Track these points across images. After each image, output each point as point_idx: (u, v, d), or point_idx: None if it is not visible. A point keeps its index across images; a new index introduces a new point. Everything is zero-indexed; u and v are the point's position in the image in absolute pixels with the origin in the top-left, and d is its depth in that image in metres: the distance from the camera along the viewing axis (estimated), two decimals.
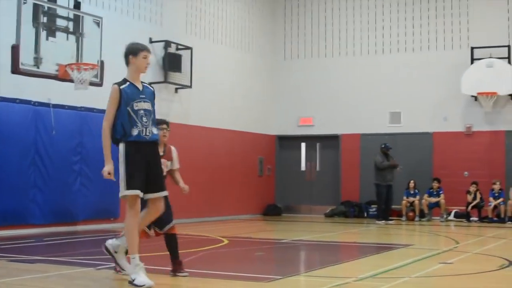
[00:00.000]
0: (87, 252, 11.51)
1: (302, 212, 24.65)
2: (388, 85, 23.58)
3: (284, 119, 25.16)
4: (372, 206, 22.65)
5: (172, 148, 9.64)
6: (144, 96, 8.43)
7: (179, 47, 20.13)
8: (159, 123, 9.05)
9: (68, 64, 14.01)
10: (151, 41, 19.44)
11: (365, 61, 24.02)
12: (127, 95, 8.33)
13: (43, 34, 13.83)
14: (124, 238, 8.48)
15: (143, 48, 8.76)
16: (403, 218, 21.78)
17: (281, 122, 25.22)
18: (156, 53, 19.61)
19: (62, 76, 14.08)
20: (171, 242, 9.19)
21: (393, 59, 23.67)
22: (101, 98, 17.33)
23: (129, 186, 8.09)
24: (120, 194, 8.17)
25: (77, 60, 14.34)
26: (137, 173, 8.16)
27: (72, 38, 14.43)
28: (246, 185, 23.61)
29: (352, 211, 23.30)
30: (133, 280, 7.96)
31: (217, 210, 22.00)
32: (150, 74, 19.42)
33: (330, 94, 24.42)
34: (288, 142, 25.26)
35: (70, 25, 14.63)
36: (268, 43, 25.23)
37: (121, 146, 8.21)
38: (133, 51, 8.76)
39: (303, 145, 25.08)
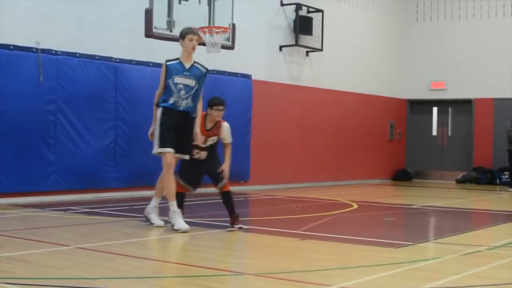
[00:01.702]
0: (217, 213, 11.69)
1: (432, 178, 24.23)
2: None
3: (415, 83, 24.69)
4: (505, 173, 22.04)
5: (224, 124, 10.22)
6: (188, 73, 9.95)
7: (310, 9, 20.01)
8: (216, 103, 10.08)
9: (201, 27, 14.13)
10: (282, 4, 19.43)
11: (500, 23, 23.16)
12: (171, 70, 9.92)
13: None
14: (155, 199, 10.16)
15: (189, 32, 10.18)
16: None
17: (412, 86, 24.77)
18: (287, 16, 19.60)
19: None
20: (225, 198, 10.05)
21: None
22: (233, 61, 17.61)
23: (161, 145, 9.77)
24: (154, 151, 9.91)
25: (209, 23, 14.45)
26: (169, 134, 9.75)
27: (204, 1, 14.53)
28: (376, 149, 23.39)
29: (484, 177, 22.74)
30: (173, 225, 9.48)
31: (347, 174, 21.92)
32: (281, 37, 19.46)
33: (462, 57, 23.75)
34: (419, 106, 24.81)
35: None
36: (400, 5, 24.74)
37: (158, 111, 9.95)
38: (181, 35, 10.19)
39: (434, 109, 24.58)
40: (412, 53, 24.81)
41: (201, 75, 10.11)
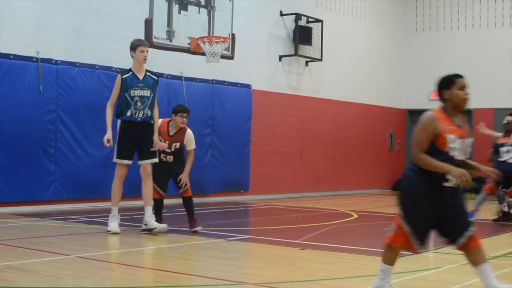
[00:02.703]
0: (217, 223, 11.69)
1: None
2: None
3: (415, 93, 24.71)
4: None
5: (188, 131, 10.86)
6: (142, 85, 10.28)
7: (310, 20, 20.05)
8: (180, 110, 10.67)
9: (200, 37, 14.17)
10: (281, 14, 19.47)
11: (500, 33, 23.21)
12: (127, 83, 10.20)
13: (175, 7, 14.04)
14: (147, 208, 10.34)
15: (141, 43, 10.46)
16: None
17: (411, 96, 24.79)
18: (287, 26, 19.64)
19: (194, 49, 14.28)
20: (185, 203, 10.76)
21: None
22: (232, 71, 17.64)
23: (118, 156, 10.35)
24: (113, 160, 10.48)
25: (209, 33, 14.49)
26: (125, 147, 10.26)
27: (203, 11, 14.59)
28: (376, 159, 23.40)
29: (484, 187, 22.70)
30: (108, 227, 10.23)
31: (347, 184, 21.93)
32: (280, 47, 19.50)
33: (462, 67, 23.59)
34: (418, 116, 24.48)
35: None
36: (399, 16, 24.79)
37: (118, 123, 10.30)
38: (132, 47, 10.42)
39: None
40: (412, 63, 24.85)
41: (154, 83, 10.50)
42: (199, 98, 16.59)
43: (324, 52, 20.26)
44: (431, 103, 23.96)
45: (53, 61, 13.98)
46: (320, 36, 20.15)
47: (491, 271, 5.96)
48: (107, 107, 10.44)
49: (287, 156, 19.63)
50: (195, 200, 11.12)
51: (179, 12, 14.11)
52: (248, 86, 18.15)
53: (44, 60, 13.78)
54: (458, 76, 6.33)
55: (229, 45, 14.80)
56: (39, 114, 13.71)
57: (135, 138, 10.29)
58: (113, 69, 15.00)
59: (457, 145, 6.02)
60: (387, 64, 24.17)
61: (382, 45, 23.97)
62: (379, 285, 6.07)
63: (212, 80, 17.08)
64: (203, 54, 14.24)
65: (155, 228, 10.18)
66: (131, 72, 10.35)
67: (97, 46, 14.79)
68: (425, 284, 6.92)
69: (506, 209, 13.54)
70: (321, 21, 20.21)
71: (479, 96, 23.11)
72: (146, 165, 10.42)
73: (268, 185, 18.81)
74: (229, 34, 14.86)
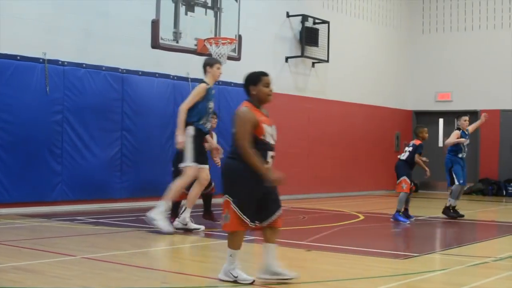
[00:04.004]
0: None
1: (438, 189, 24.17)
2: None
3: (421, 94, 24.69)
4: (511, 184, 22.05)
5: (213, 134, 12.30)
6: (213, 98, 10.93)
7: (316, 21, 20.05)
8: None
9: (207, 39, 14.17)
10: (288, 15, 19.47)
11: (506, 35, 23.16)
12: (209, 95, 10.69)
13: (182, 9, 14.03)
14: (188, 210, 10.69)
15: (218, 61, 11.19)
16: None
17: (418, 97, 24.77)
18: (293, 27, 19.64)
19: (200, 51, 14.28)
20: (210, 198, 11.79)
21: None
22: (238, 72, 17.56)
23: (195, 160, 10.51)
24: (185, 164, 10.47)
25: (215, 34, 14.49)
26: (200, 151, 10.62)
27: (210, 12, 14.59)
28: (382, 160, 23.34)
29: (490, 189, 22.70)
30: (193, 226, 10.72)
31: (353, 185, 21.90)
32: (287, 48, 19.50)
33: (468, 68, 23.75)
34: (425, 118, 24.78)
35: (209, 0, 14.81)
36: (405, 17, 24.77)
37: (191, 128, 10.49)
38: (210, 63, 10.97)
39: (440, 120, 24.58)
40: (418, 64, 24.82)
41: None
42: None
43: (330, 54, 20.26)
44: (437, 104, 24.09)
45: (60, 62, 14.00)
46: (327, 37, 20.15)
47: (275, 252, 6.90)
48: (183, 110, 10.57)
49: (294, 157, 19.61)
50: (200, 201, 11.23)
51: (186, 13, 14.11)
52: None
53: (51, 61, 13.81)
54: (264, 74, 6.99)
55: (235, 46, 14.80)
56: (46, 115, 13.74)
57: (202, 145, 10.83)
58: (120, 70, 15.03)
59: (269, 132, 6.87)
60: (393, 66, 24.15)
61: (388, 46, 23.96)
62: (230, 268, 6.65)
63: (219, 81, 17.06)
64: (210, 55, 14.23)
65: (194, 228, 10.70)
66: (209, 85, 10.76)
67: (103, 47, 14.81)
68: (432, 286, 6.91)
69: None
70: (327, 22, 20.21)
71: (486, 97, 23.14)
72: (207, 169, 10.81)
73: None
74: (235, 35, 14.86)
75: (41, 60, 13.67)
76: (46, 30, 13.89)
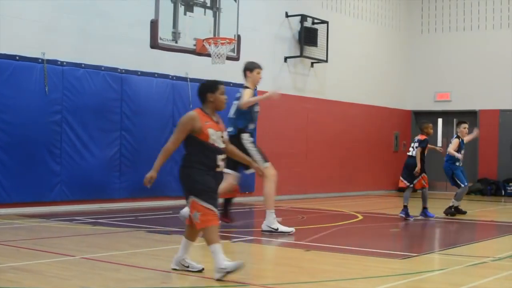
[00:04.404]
0: (222, 225, 11.65)
1: (437, 189, 24.17)
2: None
3: (420, 94, 24.69)
4: (511, 184, 22.06)
5: None
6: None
7: (315, 21, 20.05)
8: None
9: (206, 39, 14.17)
10: (287, 15, 19.47)
11: (505, 35, 23.16)
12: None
13: (181, 9, 14.03)
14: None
15: (258, 66, 11.19)
16: None
17: (417, 97, 24.77)
18: (292, 27, 19.64)
19: (199, 51, 14.28)
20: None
21: None
22: (237, 73, 17.56)
23: (265, 160, 10.88)
24: (263, 166, 10.53)
25: (214, 34, 14.49)
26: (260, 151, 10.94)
27: (209, 12, 14.58)
28: (381, 160, 23.37)
29: (489, 189, 22.70)
30: (277, 229, 10.61)
31: (352, 185, 21.91)
32: (286, 48, 19.50)
33: (467, 68, 23.75)
34: (424, 118, 24.68)
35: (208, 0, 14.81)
36: (404, 17, 24.78)
37: (246, 135, 10.86)
38: (250, 68, 11.09)
39: (439, 120, 24.58)
40: (417, 64, 24.82)
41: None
42: None
43: (329, 53, 20.26)
44: (436, 104, 24.10)
45: (59, 62, 14.00)
46: (326, 38, 20.15)
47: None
48: (247, 100, 10.77)
49: (292, 157, 19.61)
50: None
51: (185, 14, 14.11)
52: None
53: (49, 62, 13.81)
54: (220, 83, 7.48)
55: (234, 46, 14.79)
56: (45, 115, 13.73)
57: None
58: (119, 70, 15.03)
59: (216, 137, 7.14)
60: (392, 66, 24.15)
61: (387, 46, 23.96)
62: (221, 262, 6.83)
63: None
64: (209, 55, 14.24)
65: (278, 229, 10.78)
66: (251, 89, 11.01)
67: (102, 47, 14.81)
68: (430, 286, 6.91)
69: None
70: (326, 22, 20.21)
71: (485, 97, 23.16)
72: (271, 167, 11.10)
73: None
74: (234, 35, 14.86)
75: (40, 60, 13.66)
76: (45, 30, 13.88)
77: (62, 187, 14.06)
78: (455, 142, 14.76)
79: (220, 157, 7.14)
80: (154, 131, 15.61)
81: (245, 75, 11.11)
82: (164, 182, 15.02)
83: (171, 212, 13.54)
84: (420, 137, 14.16)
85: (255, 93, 11.15)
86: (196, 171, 7.01)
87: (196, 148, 7.07)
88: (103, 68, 14.76)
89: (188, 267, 7.23)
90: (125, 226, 11.35)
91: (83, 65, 14.39)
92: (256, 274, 7.60)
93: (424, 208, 14.14)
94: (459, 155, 14.58)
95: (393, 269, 7.72)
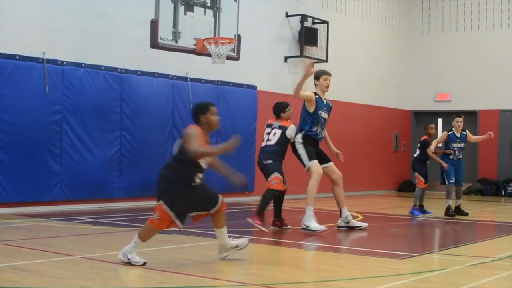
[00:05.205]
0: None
1: (437, 189, 24.11)
2: None
3: (420, 94, 24.70)
4: (510, 184, 22.07)
5: None
6: (325, 108, 11.58)
7: (315, 21, 20.05)
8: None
9: (206, 39, 14.16)
10: (287, 15, 19.47)
11: (505, 35, 23.17)
12: (318, 103, 11.35)
13: (181, 9, 14.02)
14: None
15: (324, 73, 11.57)
16: None
17: (417, 97, 24.78)
18: (293, 27, 19.64)
19: (199, 50, 14.27)
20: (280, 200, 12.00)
21: None
22: (238, 72, 17.62)
23: (310, 158, 11.69)
24: (307, 166, 11.70)
25: (215, 34, 14.48)
26: (311, 153, 11.73)
27: (209, 12, 14.58)
28: (381, 160, 23.38)
29: (489, 189, 22.70)
30: (308, 227, 10.90)
31: (352, 185, 21.84)
32: (286, 48, 19.51)
33: (467, 69, 23.75)
34: (424, 118, 24.73)
35: None
36: (405, 17, 24.77)
37: (299, 136, 11.68)
38: (316, 75, 11.47)
39: (439, 120, 24.57)
40: (417, 64, 24.83)
41: (330, 109, 11.84)
42: (204, 99, 16.42)
43: (329, 53, 20.25)
44: (436, 104, 24.09)
45: (59, 62, 14.00)
46: (326, 37, 20.15)
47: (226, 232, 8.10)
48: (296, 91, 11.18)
49: (292, 157, 19.53)
50: None
51: (185, 13, 14.10)
52: (253, 87, 18.15)
53: (50, 61, 13.81)
54: (212, 104, 7.81)
55: (234, 46, 14.79)
56: (45, 115, 13.73)
57: (315, 150, 11.78)
58: (119, 70, 15.03)
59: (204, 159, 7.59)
60: (392, 66, 24.15)
61: (387, 46, 23.96)
62: (129, 251, 7.50)
63: (218, 81, 17.09)
64: (209, 55, 14.23)
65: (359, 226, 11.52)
66: (318, 95, 11.40)
67: (102, 47, 14.81)
68: (430, 286, 6.91)
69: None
70: (326, 22, 20.21)
71: (485, 98, 23.16)
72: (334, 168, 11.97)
73: None
74: (234, 35, 14.85)
75: (40, 60, 13.66)
76: (45, 30, 13.88)
77: (62, 187, 14.06)
78: (442, 134, 15.01)
79: (200, 175, 7.66)
80: (154, 131, 15.62)
81: (315, 84, 11.63)
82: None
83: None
84: (421, 138, 14.64)
85: (318, 99, 11.47)
86: (178, 180, 7.52)
87: (186, 161, 7.45)
88: (103, 68, 14.76)
89: (236, 247, 8.08)
90: (125, 226, 11.35)
91: (83, 65, 14.40)
92: (256, 273, 7.60)
93: (414, 206, 14.65)
94: (434, 157, 14.71)
95: (393, 269, 7.72)
